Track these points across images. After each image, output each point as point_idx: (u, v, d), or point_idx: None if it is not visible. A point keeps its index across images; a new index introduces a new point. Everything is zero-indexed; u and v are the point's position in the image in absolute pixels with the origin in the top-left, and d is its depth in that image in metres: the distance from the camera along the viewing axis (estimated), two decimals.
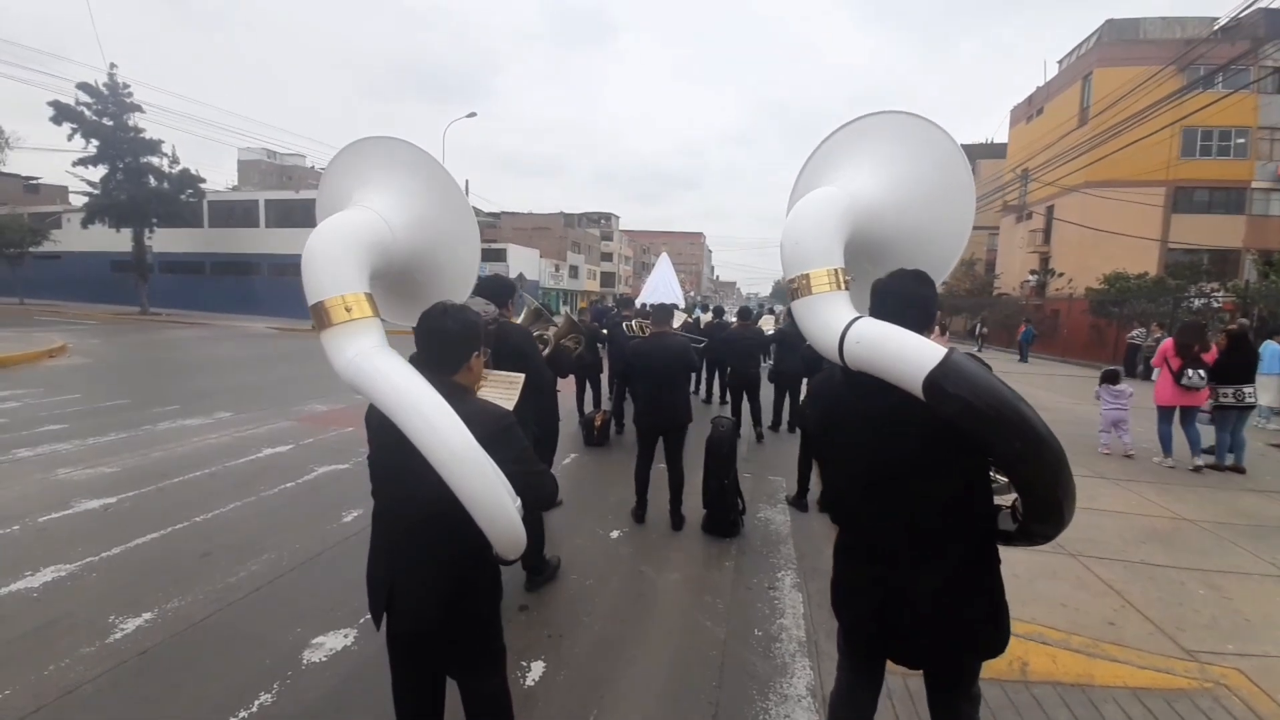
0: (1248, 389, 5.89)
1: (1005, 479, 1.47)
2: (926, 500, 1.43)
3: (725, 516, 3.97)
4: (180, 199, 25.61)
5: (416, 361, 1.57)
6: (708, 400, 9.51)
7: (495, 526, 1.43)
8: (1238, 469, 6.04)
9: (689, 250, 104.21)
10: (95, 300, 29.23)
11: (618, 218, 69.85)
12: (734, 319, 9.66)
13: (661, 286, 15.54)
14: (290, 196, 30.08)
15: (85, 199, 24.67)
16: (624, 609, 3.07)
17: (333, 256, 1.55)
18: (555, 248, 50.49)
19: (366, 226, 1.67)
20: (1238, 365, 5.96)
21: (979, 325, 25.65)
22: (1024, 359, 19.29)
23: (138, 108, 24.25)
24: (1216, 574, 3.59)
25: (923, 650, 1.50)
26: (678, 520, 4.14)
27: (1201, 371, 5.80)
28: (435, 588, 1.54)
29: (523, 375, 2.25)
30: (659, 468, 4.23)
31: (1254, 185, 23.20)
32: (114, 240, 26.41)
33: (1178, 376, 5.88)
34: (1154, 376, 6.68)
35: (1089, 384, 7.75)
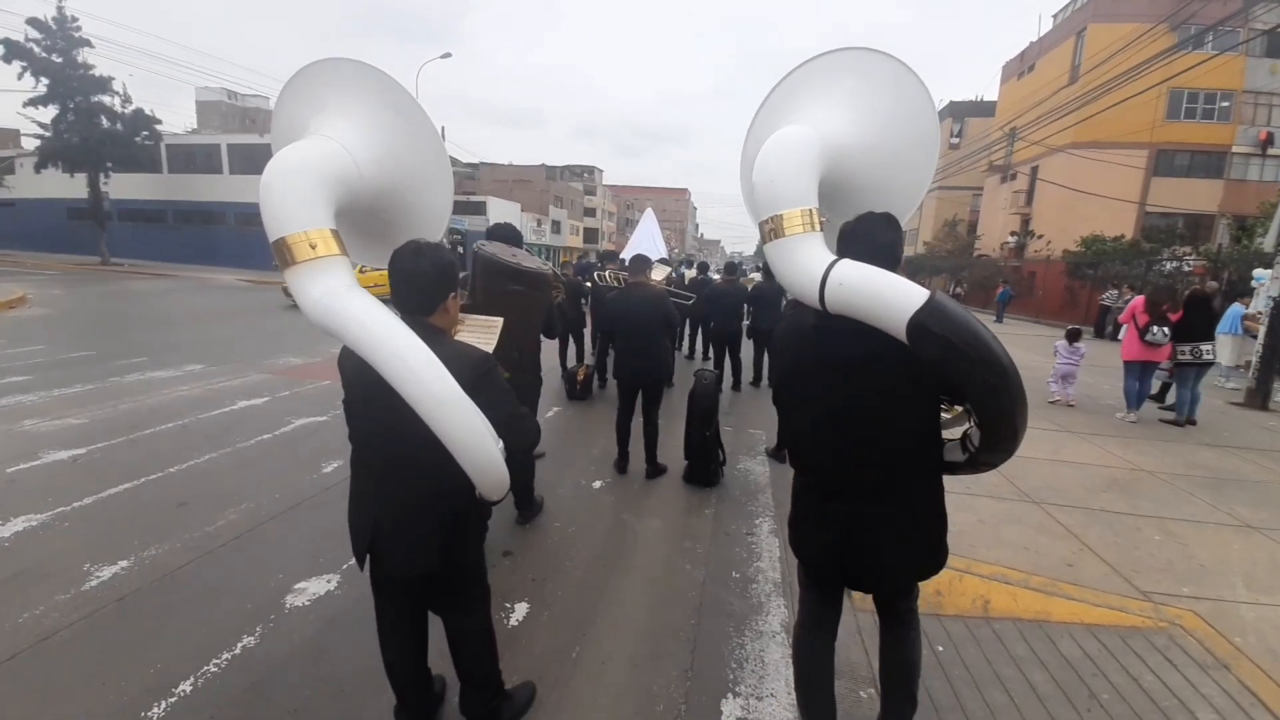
0: (1205, 346, 6.20)
1: (951, 414, 1.62)
2: (888, 440, 1.50)
3: (706, 467, 4.03)
4: (135, 141, 24.19)
5: (390, 303, 1.51)
6: (690, 356, 9.55)
7: (479, 468, 1.42)
8: (1190, 421, 6.39)
9: (674, 207, 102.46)
10: (53, 250, 27.87)
11: (601, 171, 68.02)
12: (719, 275, 9.60)
13: (646, 242, 15.32)
14: (255, 141, 28.58)
15: (38, 142, 23.16)
16: (606, 554, 3.13)
17: (294, 188, 1.45)
18: (537, 201, 49.19)
19: (330, 158, 1.56)
20: (1197, 325, 6.25)
21: (955, 286, 25.95)
22: (999, 319, 19.65)
23: (87, 42, 22.62)
24: (1173, 521, 3.77)
25: (882, 575, 1.62)
26: (651, 472, 4.19)
27: (1165, 329, 6.11)
28: (420, 529, 1.53)
29: (501, 319, 2.20)
30: (641, 420, 4.25)
31: (1234, 149, 23.36)
32: (69, 186, 25.02)
33: (1143, 333, 6.18)
34: (1121, 334, 6.96)
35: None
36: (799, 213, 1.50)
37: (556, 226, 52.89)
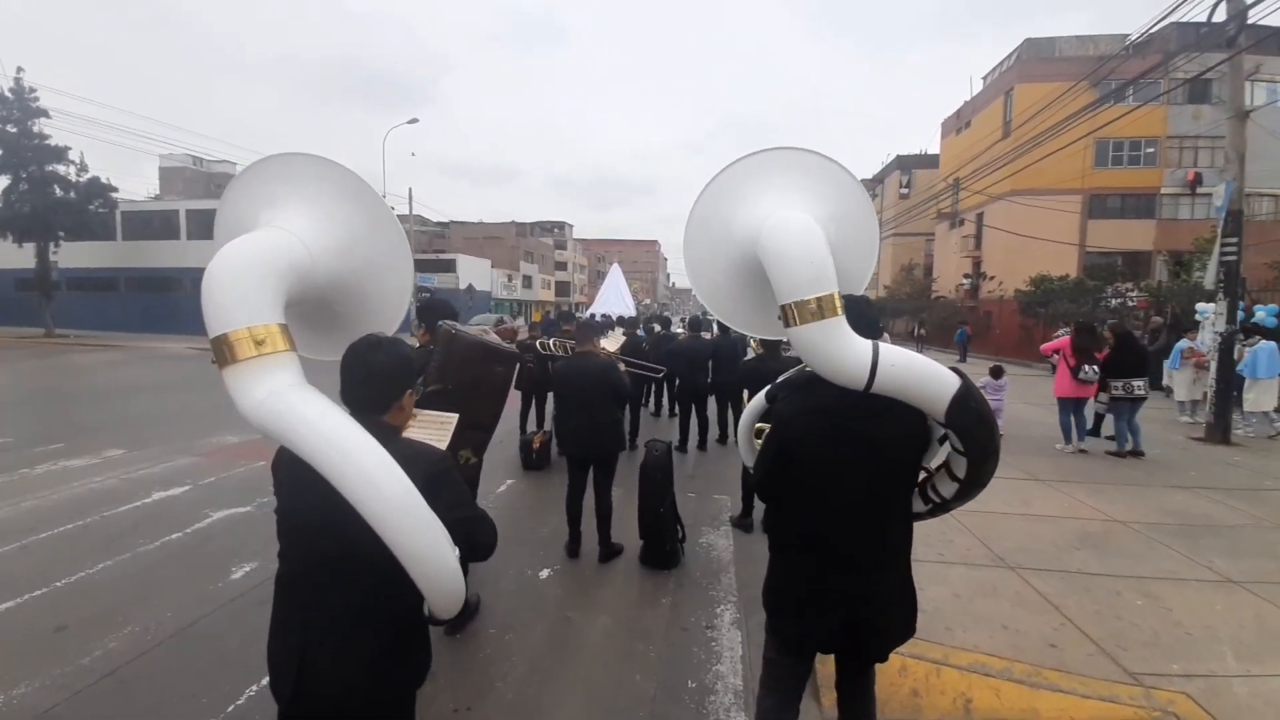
0: (1136, 382, 6.48)
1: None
2: (897, 509, 1.65)
3: (662, 547, 3.72)
4: (89, 209, 23.71)
5: (342, 399, 1.41)
6: (656, 414, 9.31)
7: (435, 583, 1.28)
8: (1137, 453, 6.63)
9: (644, 258, 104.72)
10: (6, 322, 26.62)
11: (571, 226, 69.46)
12: (681, 330, 9.49)
13: (613, 297, 15.35)
14: (215, 205, 28.23)
15: None
16: (546, 666, 2.76)
17: (240, 281, 1.36)
18: (508, 258, 49.65)
19: (281, 248, 1.49)
20: (1126, 361, 6.59)
21: (918, 327, 26.62)
22: (963, 359, 20.04)
23: (44, 113, 22.44)
24: (1152, 581, 3.59)
25: (881, 644, 1.66)
26: (605, 553, 3.87)
27: (1095, 367, 6.51)
28: (361, 657, 1.34)
29: (455, 415, 2.03)
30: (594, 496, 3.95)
31: (1164, 191, 25.03)
32: (17, 256, 24.15)
33: (1075, 371, 6.54)
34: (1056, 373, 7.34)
35: (1014, 381, 8.22)
36: (835, 295, 1.55)
37: (528, 281, 53.24)
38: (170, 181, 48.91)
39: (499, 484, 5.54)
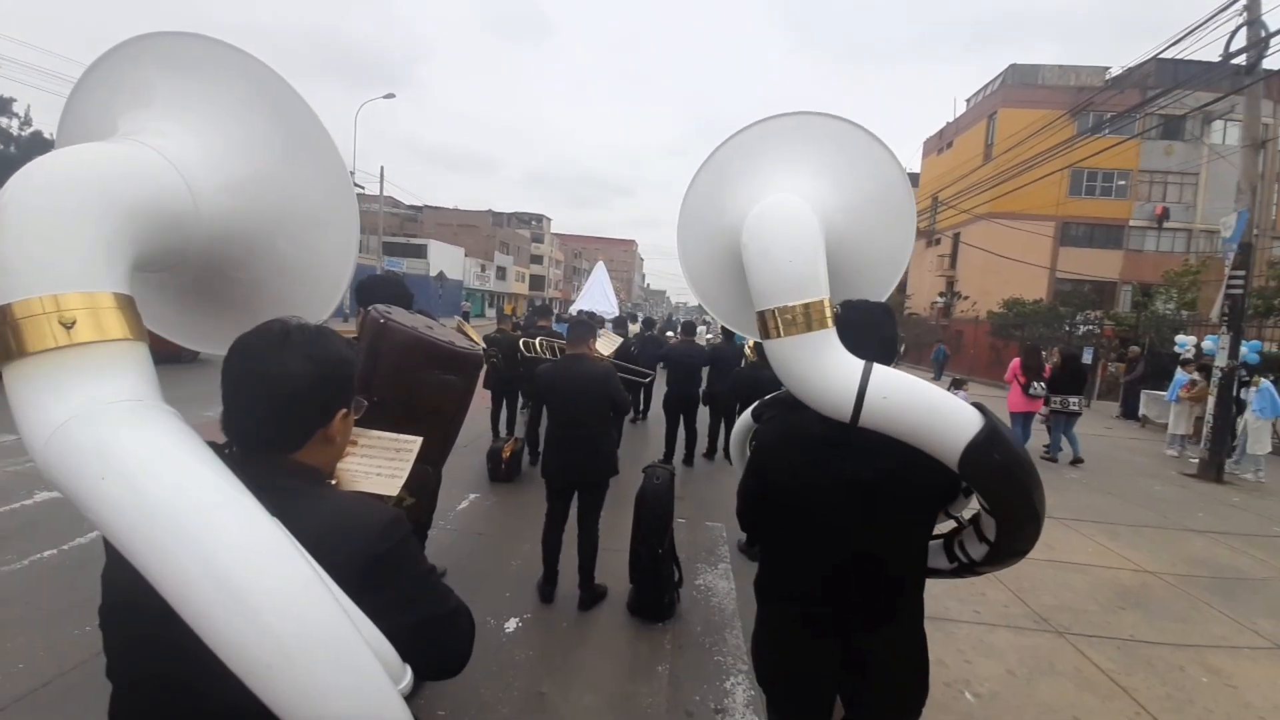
0: (1073, 399, 7.57)
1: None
2: (895, 562, 1.34)
3: (659, 597, 3.08)
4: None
5: (223, 428, 0.90)
6: (635, 418, 8.68)
7: None
8: (1078, 460, 7.50)
9: (622, 257, 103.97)
10: None
11: (549, 220, 68.26)
12: (673, 333, 8.93)
13: (598, 294, 14.66)
14: None
15: None
16: None
17: (49, 217, 0.82)
18: (482, 247, 48.32)
19: (135, 171, 0.94)
20: (1067, 380, 7.67)
21: (900, 345, 26.77)
22: (939, 377, 20.08)
23: None
24: (1209, 651, 3.17)
25: (872, 711, 1.39)
26: (585, 600, 3.21)
27: (1042, 384, 7.47)
28: None
29: (419, 440, 1.40)
30: (576, 529, 3.29)
31: (1132, 223, 25.71)
32: None
33: (1025, 388, 7.48)
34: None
35: (986, 400, 8.09)
36: (824, 303, 1.25)
37: (502, 272, 51.99)
38: None
39: (460, 499, 4.81)
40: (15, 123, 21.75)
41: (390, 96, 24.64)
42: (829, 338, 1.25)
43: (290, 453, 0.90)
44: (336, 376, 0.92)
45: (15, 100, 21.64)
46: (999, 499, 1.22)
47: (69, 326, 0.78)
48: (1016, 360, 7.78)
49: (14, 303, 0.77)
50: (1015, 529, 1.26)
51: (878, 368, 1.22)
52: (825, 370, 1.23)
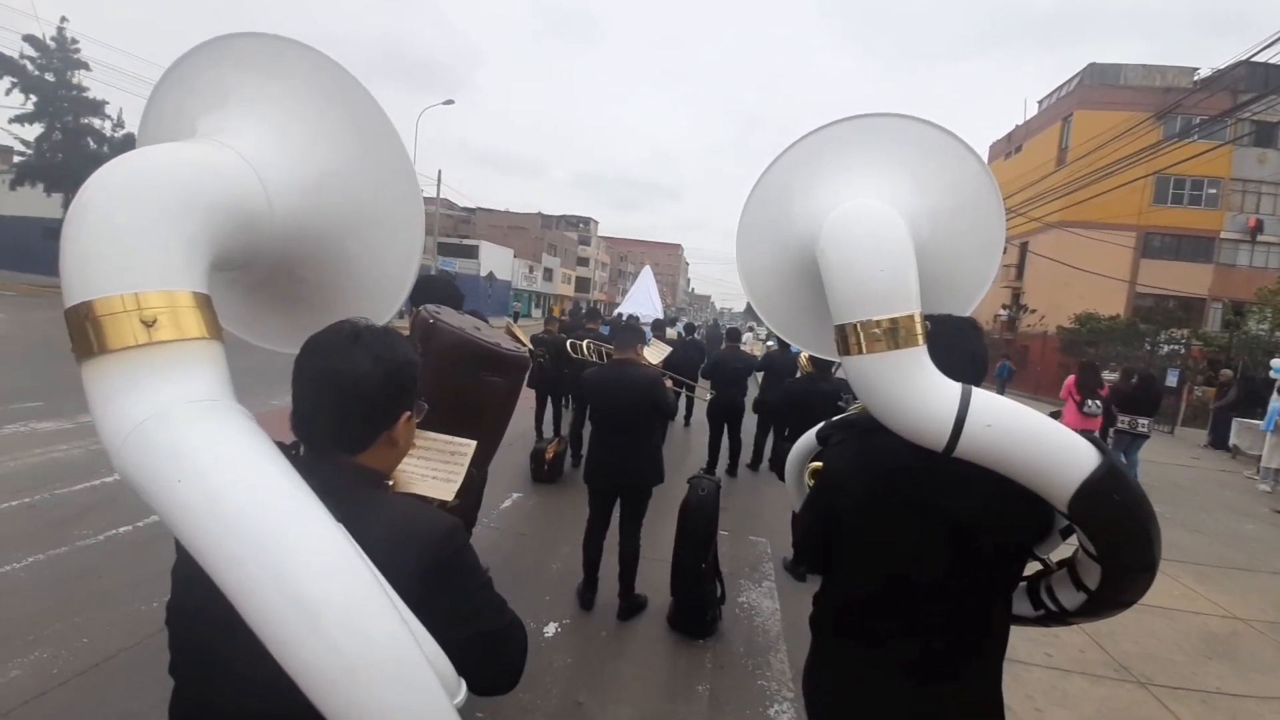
0: (1142, 420, 7.13)
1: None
2: (982, 604, 1.21)
3: (701, 614, 2.99)
4: None
5: (293, 428, 0.92)
6: (682, 419, 8.57)
7: None
8: None
9: (666, 261, 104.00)
10: (24, 269, 26.84)
11: (596, 223, 68.98)
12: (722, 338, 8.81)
13: (643, 298, 14.72)
14: None
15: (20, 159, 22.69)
16: None
17: (132, 216, 0.82)
18: (530, 248, 49.30)
19: (219, 175, 0.95)
20: (1141, 399, 7.20)
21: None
22: (1001, 395, 19.06)
23: (84, 65, 22.51)
24: None
25: None
26: (625, 609, 3.16)
27: (1098, 402, 6.95)
28: None
29: (473, 443, 1.40)
30: (618, 535, 3.24)
31: (1223, 235, 23.69)
32: (46, 206, 24.30)
33: (1080, 406, 7.03)
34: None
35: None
36: (915, 318, 1.14)
37: (549, 274, 52.88)
38: None
39: (503, 498, 4.86)
40: (109, 124, 23.36)
41: (450, 103, 25.51)
42: (919, 356, 1.14)
43: (356, 454, 0.91)
44: (402, 377, 0.93)
45: (108, 103, 23.23)
46: (1112, 544, 1.09)
47: (150, 325, 0.79)
48: (1072, 377, 7.50)
49: (96, 299, 0.78)
50: (1125, 578, 1.13)
51: (978, 391, 1.12)
52: (917, 392, 1.12)
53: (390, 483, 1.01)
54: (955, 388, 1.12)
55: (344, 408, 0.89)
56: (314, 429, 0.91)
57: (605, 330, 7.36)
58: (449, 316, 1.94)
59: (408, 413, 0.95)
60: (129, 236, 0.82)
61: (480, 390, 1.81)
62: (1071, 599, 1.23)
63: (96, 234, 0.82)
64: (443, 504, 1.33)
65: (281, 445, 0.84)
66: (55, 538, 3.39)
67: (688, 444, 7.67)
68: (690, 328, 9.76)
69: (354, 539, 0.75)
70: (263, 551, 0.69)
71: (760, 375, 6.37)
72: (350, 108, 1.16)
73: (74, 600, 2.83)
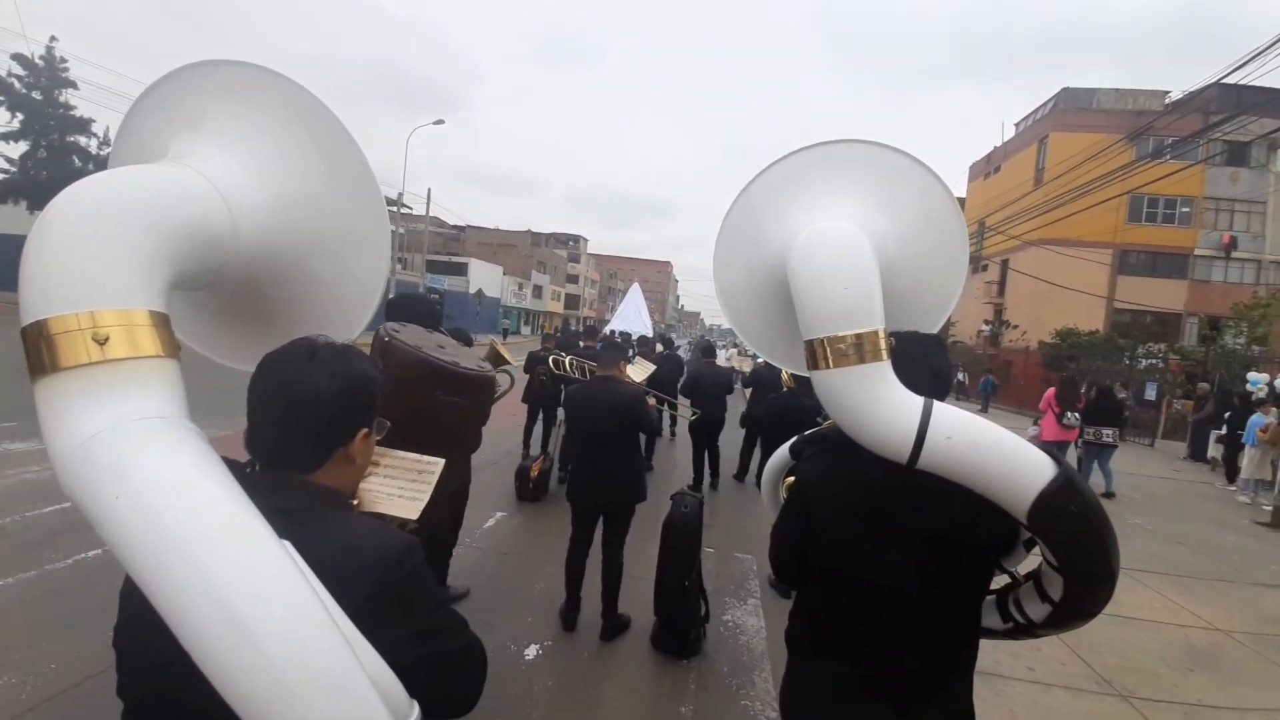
0: (1106, 431, 7.54)
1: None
2: (952, 620, 1.24)
3: (685, 633, 2.97)
4: None
5: (246, 444, 0.92)
6: (668, 433, 8.53)
7: None
8: (1108, 495, 7.28)
9: (656, 278, 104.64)
10: (4, 288, 26.41)
11: (586, 240, 69.42)
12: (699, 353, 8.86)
13: (632, 314, 14.75)
14: None
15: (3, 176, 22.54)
16: None
17: (91, 235, 0.84)
18: (520, 266, 49.44)
19: (181, 196, 0.98)
20: (1101, 411, 7.70)
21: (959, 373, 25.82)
22: (985, 409, 19.22)
23: (71, 84, 22.49)
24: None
25: None
26: (608, 630, 3.11)
27: (1076, 414, 7.47)
28: None
29: (441, 461, 1.39)
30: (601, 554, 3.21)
31: (1197, 252, 24.32)
32: (30, 223, 23.98)
33: (1060, 418, 7.47)
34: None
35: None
36: (879, 334, 1.18)
37: (538, 291, 52.96)
38: None
39: (486, 517, 4.80)
40: (94, 143, 23.23)
41: (440, 123, 25.73)
42: (883, 371, 1.17)
43: (311, 472, 0.90)
44: (358, 394, 0.93)
45: (94, 121, 23.16)
46: (1071, 554, 1.11)
47: (102, 343, 0.79)
48: (1051, 390, 7.92)
49: (50, 318, 0.79)
50: (1086, 588, 1.15)
51: (939, 405, 1.15)
52: (881, 406, 1.15)
53: (355, 501, 1.01)
54: (918, 402, 1.14)
55: (297, 424, 0.88)
56: (268, 446, 0.90)
57: (600, 348, 7.37)
58: (409, 335, 1.93)
59: (365, 430, 0.94)
60: (86, 256, 0.83)
61: (437, 409, 1.81)
62: (1038, 610, 1.25)
63: (55, 253, 0.82)
64: (403, 524, 1.32)
65: (235, 463, 0.84)
66: (24, 562, 3.30)
67: (672, 459, 7.66)
68: (668, 342, 9.76)
69: (304, 558, 0.74)
70: (197, 569, 0.68)
71: (749, 391, 6.40)
72: (316, 132, 1.19)
73: (43, 625, 2.75)
